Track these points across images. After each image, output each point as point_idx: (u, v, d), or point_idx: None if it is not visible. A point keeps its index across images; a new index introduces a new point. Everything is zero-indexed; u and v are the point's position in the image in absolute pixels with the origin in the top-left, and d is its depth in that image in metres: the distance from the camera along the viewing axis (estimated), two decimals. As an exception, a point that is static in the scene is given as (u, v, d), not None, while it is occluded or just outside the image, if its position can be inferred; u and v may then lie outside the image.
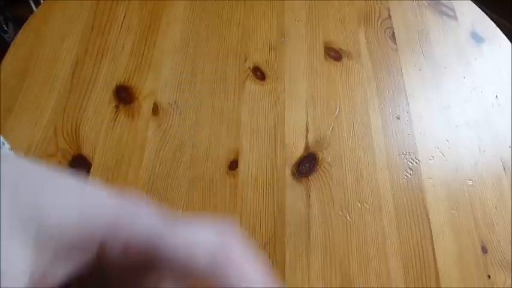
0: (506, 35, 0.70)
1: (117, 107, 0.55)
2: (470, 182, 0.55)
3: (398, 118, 0.59)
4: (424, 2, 0.71)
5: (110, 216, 0.16)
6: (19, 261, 0.14)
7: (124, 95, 0.56)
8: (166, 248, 0.16)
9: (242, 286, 0.16)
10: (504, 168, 0.57)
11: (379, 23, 0.68)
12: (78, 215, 0.15)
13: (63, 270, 0.15)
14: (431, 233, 0.51)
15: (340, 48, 0.64)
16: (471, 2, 0.73)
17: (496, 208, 0.53)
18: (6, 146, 0.45)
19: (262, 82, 0.59)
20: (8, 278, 0.13)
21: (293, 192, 0.51)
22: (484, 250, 0.50)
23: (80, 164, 0.50)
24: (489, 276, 0.49)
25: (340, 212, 0.51)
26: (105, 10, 0.63)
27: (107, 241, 0.15)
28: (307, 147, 0.55)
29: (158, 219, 0.16)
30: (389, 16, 0.69)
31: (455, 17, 0.70)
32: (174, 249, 0.16)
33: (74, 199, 0.16)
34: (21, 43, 0.59)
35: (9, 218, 0.14)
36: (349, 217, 0.51)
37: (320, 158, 0.54)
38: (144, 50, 0.60)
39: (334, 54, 0.63)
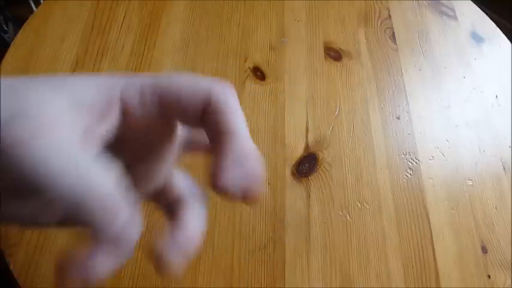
0: (506, 35, 0.70)
1: (117, 107, 0.55)
2: (470, 182, 0.55)
3: (398, 118, 0.59)
4: (424, 2, 0.71)
5: (123, 77, 0.18)
6: (64, 120, 0.15)
7: (124, 95, 0.56)
8: (172, 85, 0.17)
9: (235, 127, 0.18)
10: (504, 168, 0.57)
11: (379, 23, 0.68)
12: (104, 82, 0.17)
13: (100, 129, 0.17)
14: (431, 233, 0.51)
15: (340, 48, 0.64)
16: (471, 2, 0.73)
17: (496, 208, 0.53)
18: None
19: (262, 82, 0.59)
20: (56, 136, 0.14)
21: (293, 192, 0.51)
22: (484, 250, 0.50)
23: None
24: (489, 276, 0.49)
25: (340, 212, 0.51)
26: (105, 10, 0.63)
27: (126, 91, 0.17)
28: (307, 147, 0.55)
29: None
30: (390, 16, 0.69)
31: (455, 17, 0.70)
32: (179, 85, 0.18)
33: (96, 78, 0.18)
34: (21, 43, 0.59)
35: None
36: (349, 217, 0.51)
37: (320, 158, 0.54)
38: (144, 50, 0.60)
39: (334, 54, 0.63)
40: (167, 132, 0.19)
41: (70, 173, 0.14)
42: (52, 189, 0.14)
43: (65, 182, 0.14)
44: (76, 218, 0.15)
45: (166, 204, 0.22)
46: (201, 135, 0.21)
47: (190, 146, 0.23)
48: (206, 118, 0.18)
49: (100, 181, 0.15)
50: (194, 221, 0.20)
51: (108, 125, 0.17)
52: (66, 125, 0.15)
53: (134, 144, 0.19)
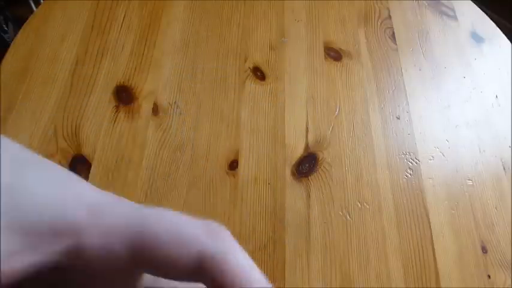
0: (506, 35, 0.70)
1: (117, 107, 0.55)
2: (470, 182, 0.55)
3: (398, 118, 0.59)
4: (424, 2, 0.71)
5: (91, 204, 0.15)
6: None
7: (124, 95, 0.56)
8: (149, 231, 0.14)
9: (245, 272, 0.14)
10: (504, 168, 0.57)
11: (379, 23, 0.68)
12: (58, 202, 0.14)
13: (30, 259, 0.14)
14: (431, 233, 0.51)
15: (340, 48, 0.64)
16: (471, 2, 0.73)
17: (496, 208, 0.53)
18: None
19: (262, 82, 0.59)
20: None
21: (293, 192, 0.51)
22: (484, 250, 0.50)
23: (80, 164, 0.50)
24: (489, 276, 0.49)
25: (340, 212, 0.51)
26: (105, 10, 0.63)
27: (86, 229, 0.14)
28: (307, 147, 0.55)
29: (140, 206, 0.15)
30: (390, 16, 0.69)
31: (455, 17, 0.70)
32: (157, 234, 0.14)
33: (55, 185, 0.14)
34: (21, 43, 0.59)
35: None
36: (349, 217, 0.51)
37: (320, 158, 0.54)
38: (144, 50, 0.60)
39: (334, 54, 0.63)
40: (131, 276, 0.16)
41: None
42: None
43: None
44: None
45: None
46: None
47: None
48: (200, 278, 0.14)
49: None
50: None
51: (43, 257, 0.14)
52: None
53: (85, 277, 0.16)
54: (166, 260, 0.14)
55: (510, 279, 0.49)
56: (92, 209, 0.14)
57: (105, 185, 0.49)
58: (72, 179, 0.15)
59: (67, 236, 0.14)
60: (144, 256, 0.14)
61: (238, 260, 0.15)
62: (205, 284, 0.15)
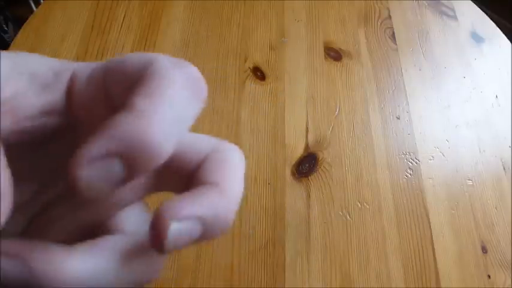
0: (506, 35, 0.70)
1: (117, 107, 0.55)
2: (470, 182, 0.55)
3: (398, 118, 0.59)
4: (424, 2, 0.71)
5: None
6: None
7: (124, 95, 0.56)
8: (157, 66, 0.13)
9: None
10: (504, 168, 0.57)
11: (379, 23, 0.68)
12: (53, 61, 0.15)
13: (38, 99, 0.14)
14: (431, 233, 0.51)
15: (340, 48, 0.64)
16: (471, 2, 0.73)
17: (496, 208, 0.53)
18: None
19: (262, 82, 0.59)
20: None
21: (293, 192, 0.51)
22: (484, 250, 0.50)
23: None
24: (489, 276, 0.49)
25: (340, 212, 0.51)
26: (105, 10, 0.63)
27: (77, 72, 0.15)
28: (307, 147, 0.55)
29: None
30: (390, 16, 0.69)
31: (455, 17, 0.70)
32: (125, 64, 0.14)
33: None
34: (21, 43, 0.59)
35: None
36: (349, 217, 0.51)
37: (320, 158, 0.54)
38: (144, 50, 0.60)
39: (334, 54, 0.63)
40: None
41: None
42: None
43: None
44: None
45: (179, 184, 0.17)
46: None
47: None
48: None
49: None
50: None
51: (49, 96, 0.14)
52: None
53: (73, 140, 0.16)
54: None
55: (510, 279, 0.49)
56: (80, 63, 0.15)
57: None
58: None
59: (64, 74, 0.14)
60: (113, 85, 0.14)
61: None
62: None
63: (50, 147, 0.16)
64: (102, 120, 0.13)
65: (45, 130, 0.15)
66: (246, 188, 0.51)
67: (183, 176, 0.15)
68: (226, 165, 0.14)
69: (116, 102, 0.14)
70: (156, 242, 0.12)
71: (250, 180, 0.52)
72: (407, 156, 0.56)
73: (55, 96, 0.14)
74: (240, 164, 0.15)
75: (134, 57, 0.14)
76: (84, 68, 0.15)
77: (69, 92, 0.15)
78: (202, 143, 0.15)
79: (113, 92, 0.14)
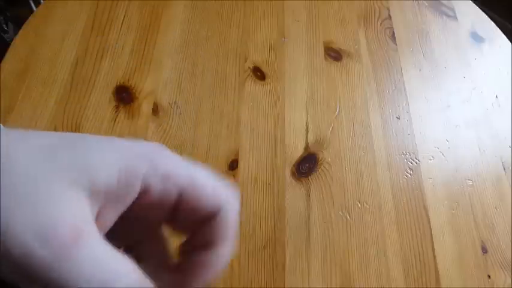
0: (506, 35, 0.70)
1: (117, 107, 0.55)
2: (470, 182, 0.55)
3: (398, 118, 0.59)
4: (424, 2, 0.71)
5: (147, 152, 0.17)
6: (79, 210, 0.15)
7: (124, 95, 0.56)
8: (194, 184, 0.18)
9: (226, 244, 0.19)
10: (504, 168, 0.57)
11: (379, 23, 0.68)
12: (121, 161, 0.16)
13: (113, 214, 0.17)
14: (431, 233, 0.51)
15: (340, 48, 0.64)
16: (471, 2, 0.73)
17: (496, 208, 0.53)
18: None
19: (262, 82, 0.59)
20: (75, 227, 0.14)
21: (293, 192, 0.51)
22: (484, 250, 0.50)
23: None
24: (489, 276, 0.49)
25: (340, 212, 0.51)
26: (105, 10, 0.63)
27: (149, 176, 0.17)
28: (307, 147, 0.55)
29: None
30: (389, 16, 0.69)
31: (455, 17, 0.70)
32: (200, 188, 0.18)
33: (114, 149, 0.17)
34: (21, 43, 0.59)
35: (65, 177, 0.15)
36: (349, 217, 0.51)
37: (320, 158, 0.54)
38: (144, 50, 0.60)
39: (334, 54, 0.63)
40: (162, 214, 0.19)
41: (97, 270, 0.14)
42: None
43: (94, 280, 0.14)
44: None
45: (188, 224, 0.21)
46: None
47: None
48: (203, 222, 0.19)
49: (124, 271, 0.15)
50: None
51: (123, 208, 0.17)
52: (83, 216, 0.15)
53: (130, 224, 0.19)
54: (197, 207, 0.18)
55: (510, 279, 0.49)
56: (152, 163, 0.17)
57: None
58: (121, 141, 0.18)
59: (137, 187, 0.16)
60: (188, 205, 0.18)
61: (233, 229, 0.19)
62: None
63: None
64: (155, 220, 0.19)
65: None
66: (246, 188, 0.51)
67: (189, 219, 0.19)
68: (228, 231, 0.19)
69: (178, 219, 0.19)
70: None
71: (250, 180, 0.52)
72: (407, 156, 0.56)
73: (128, 204, 0.17)
74: (235, 221, 0.19)
75: (209, 193, 0.18)
76: (157, 172, 0.17)
77: (140, 195, 0.17)
78: (215, 194, 0.19)
79: (180, 211, 0.18)
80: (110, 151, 0.16)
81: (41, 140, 0.15)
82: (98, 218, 0.16)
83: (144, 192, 0.17)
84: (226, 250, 0.19)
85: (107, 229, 0.17)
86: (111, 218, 0.16)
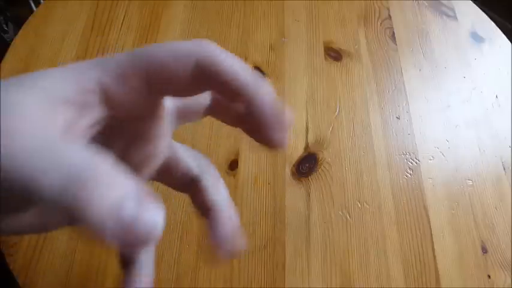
0: (506, 35, 0.70)
1: (117, 107, 0.55)
2: (470, 182, 0.55)
3: (398, 118, 0.59)
4: (424, 2, 0.71)
5: (96, 63, 0.17)
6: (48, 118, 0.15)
7: (124, 95, 0.56)
8: (154, 60, 0.16)
9: (237, 66, 0.17)
10: (504, 168, 0.57)
11: (379, 23, 0.68)
12: (67, 74, 0.17)
13: (83, 123, 0.16)
14: (431, 233, 0.51)
15: (340, 48, 0.64)
16: (471, 2, 0.73)
17: (496, 208, 0.53)
18: None
19: (262, 82, 0.59)
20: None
21: (293, 192, 0.51)
22: (484, 250, 0.50)
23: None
24: (489, 276, 0.49)
25: (340, 212, 0.51)
26: (105, 10, 0.63)
27: (104, 80, 0.16)
28: (307, 147, 0.55)
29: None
30: (389, 16, 0.69)
31: (455, 17, 0.70)
32: (158, 56, 0.16)
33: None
34: (21, 43, 0.59)
35: None
36: (349, 217, 0.51)
37: (320, 158, 0.54)
38: (144, 50, 0.60)
39: (334, 54, 0.63)
40: (154, 108, 0.18)
41: (57, 166, 0.12)
42: (44, 191, 0.12)
43: (55, 178, 0.12)
44: (77, 216, 0.13)
45: (175, 182, 0.23)
46: (194, 101, 0.20)
47: (185, 115, 0.21)
48: (201, 83, 0.17)
49: (92, 164, 0.13)
50: (224, 213, 0.22)
51: (91, 118, 0.16)
52: (41, 123, 0.14)
53: (122, 131, 0.18)
54: (170, 74, 0.16)
55: (510, 279, 0.49)
56: (103, 67, 0.17)
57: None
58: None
59: (94, 95, 0.16)
60: (154, 82, 0.16)
61: (231, 59, 0.17)
62: (210, 89, 0.17)
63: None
64: (144, 108, 0.17)
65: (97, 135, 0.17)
66: (246, 188, 0.51)
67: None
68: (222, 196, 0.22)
69: (159, 94, 0.17)
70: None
71: (250, 180, 0.52)
72: (407, 156, 0.56)
73: (95, 114, 0.16)
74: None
75: (168, 56, 0.16)
76: (110, 73, 0.16)
77: (106, 102, 0.16)
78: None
79: (155, 88, 0.17)
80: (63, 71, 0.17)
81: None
82: (68, 127, 0.15)
83: (108, 100, 0.16)
84: None
85: (84, 138, 0.16)
86: (83, 126, 0.16)
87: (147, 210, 0.13)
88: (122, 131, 0.18)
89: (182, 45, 0.16)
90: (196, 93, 0.18)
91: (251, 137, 0.19)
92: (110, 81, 0.16)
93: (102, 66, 0.17)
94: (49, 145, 0.13)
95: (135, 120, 0.18)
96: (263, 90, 0.18)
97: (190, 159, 0.23)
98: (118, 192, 0.13)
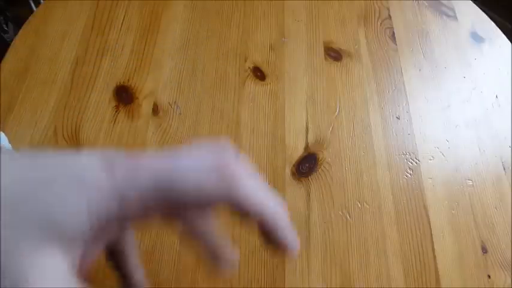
0: (506, 35, 0.70)
1: (117, 107, 0.55)
2: (470, 182, 0.55)
3: (398, 118, 0.59)
4: (424, 2, 0.71)
5: (114, 182, 0.16)
6: (53, 270, 0.14)
7: (124, 95, 0.56)
8: (177, 185, 0.17)
9: (254, 196, 0.19)
10: (504, 168, 0.57)
11: (379, 23, 0.68)
12: (91, 207, 0.15)
13: (97, 248, 0.17)
14: (431, 233, 0.51)
15: (340, 48, 0.64)
16: (471, 2, 0.73)
17: (496, 208, 0.53)
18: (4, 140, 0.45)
19: (262, 82, 0.59)
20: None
21: (293, 192, 0.51)
22: (484, 250, 0.50)
23: (80, 164, 0.50)
24: (489, 276, 0.49)
25: (340, 212, 0.51)
26: (105, 10, 0.63)
27: (124, 201, 0.16)
28: (307, 147, 0.55)
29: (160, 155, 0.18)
30: (389, 16, 0.69)
31: (455, 17, 0.70)
32: (184, 186, 0.17)
33: (80, 192, 0.16)
34: (21, 43, 0.59)
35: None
36: (349, 217, 0.51)
37: (320, 158, 0.54)
38: (144, 50, 0.60)
39: (334, 54, 0.63)
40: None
41: None
42: None
43: None
44: None
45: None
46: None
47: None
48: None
49: None
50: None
51: (104, 242, 0.17)
52: (53, 273, 0.14)
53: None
54: (188, 212, 0.18)
55: (510, 279, 0.49)
56: (123, 188, 0.16)
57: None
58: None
59: (110, 221, 0.16)
60: (172, 212, 0.17)
61: (248, 188, 0.18)
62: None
63: None
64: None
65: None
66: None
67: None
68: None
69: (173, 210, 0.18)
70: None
71: (250, 180, 0.51)
72: (407, 156, 0.56)
73: (110, 236, 0.17)
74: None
75: (192, 187, 0.17)
76: (131, 195, 0.16)
77: (121, 217, 0.16)
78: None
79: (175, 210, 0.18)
80: (75, 196, 0.15)
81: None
82: (82, 257, 0.16)
83: (124, 215, 0.16)
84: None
85: (95, 257, 0.17)
86: (95, 251, 0.17)
87: None
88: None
89: (209, 184, 0.17)
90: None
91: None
92: (131, 204, 0.16)
93: (121, 189, 0.16)
94: None
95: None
96: (281, 217, 0.21)
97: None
98: None
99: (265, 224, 0.20)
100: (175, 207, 0.18)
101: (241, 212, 0.19)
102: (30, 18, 0.61)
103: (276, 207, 0.21)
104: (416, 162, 0.55)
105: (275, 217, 0.20)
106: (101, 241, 0.17)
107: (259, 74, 0.60)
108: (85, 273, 0.17)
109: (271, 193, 0.21)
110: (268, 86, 0.59)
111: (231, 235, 0.48)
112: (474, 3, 0.73)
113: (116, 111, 0.55)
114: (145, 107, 0.55)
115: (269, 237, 0.22)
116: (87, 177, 0.15)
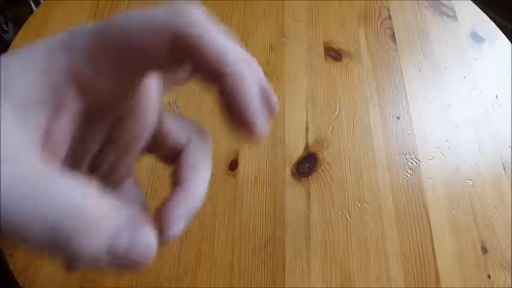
0: (506, 35, 0.70)
1: (117, 107, 0.55)
2: (470, 182, 0.55)
3: (398, 118, 0.59)
4: (424, 2, 0.71)
5: (59, 42, 0.15)
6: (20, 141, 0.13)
7: (124, 95, 0.56)
8: (124, 34, 0.15)
9: (209, 41, 0.15)
10: (504, 168, 0.57)
11: (379, 23, 0.68)
12: (33, 67, 0.15)
13: (61, 124, 0.15)
14: (431, 233, 0.51)
15: (340, 48, 0.64)
16: (471, 2, 0.73)
17: (496, 208, 0.53)
18: None
19: (262, 82, 0.59)
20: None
21: (293, 192, 0.51)
22: (484, 250, 0.50)
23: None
24: (489, 276, 0.49)
25: (340, 212, 0.51)
26: (105, 10, 0.63)
27: (73, 66, 0.15)
28: (307, 147, 0.55)
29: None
30: (389, 16, 0.69)
31: (455, 17, 0.70)
32: (130, 32, 0.14)
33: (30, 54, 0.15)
34: (21, 43, 0.59)
35: None
36: (349, 217, 0.51)
37: (320, 158, 0.54)
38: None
39: (334, 54, 0.63)
40: (133, 86, 0.16)
41: (45, 211, 0.12)
42: (34, 239, 0.12)
43: (44, 226, 0.12)
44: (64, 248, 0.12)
45: (165, 155, 0.21)
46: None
47: (171, 80, 0.19)
48: (182, 59, 0.15)
49: (81, 203, 0.12)
50: (198, 178, 0.19)
51: (68, 116, 0.15)
52: (18, 142, 0.13)
53: (105, 115, 0.17)
54: (143, 52, 0.14)
55: (510, 279, 0.49)
56: (69, 49, 0.15)
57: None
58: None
59: (67, 88, 0.15)
60: (126, 57, 0.15)
61: (213, 35, 0.15)
62: (189, 63, 0.15)
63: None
64: (120, 88, 0.15)
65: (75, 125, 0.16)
66: (246, 188, 0.51)
67: (165, 148, 0.19)
68: (198, 171, 0.19)
69: (137, 69, 0.16)
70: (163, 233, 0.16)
71: (250, 180, 0.52)
72: (407, 156, 0.56)
73: (70, 107, 0.15)
74: (209, 165, 0.19)
75: (139, 30, 0.14)
76: (78, 55, 0.15)
77: (80, 90, 0.15)
78: (184, 132, 0.19)
79: (130, 64, 0.15)
80: (25, 57, 0.14)
81: None
82: (45, 137, 0.14)
83: (82, 85, 0.15)
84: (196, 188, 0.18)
85: (66, 141, 0.15)
86: (62, 128, 0.15)
87: (140, 236, 0.14)
88: (104, 116, 0.17)
89: (156, 17, 0.14)
90: (178, 68, 0.16)
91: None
92: (80, 65, 0.14)
93: (69, 46, 0.15)
94: (33, 180, 0.12)
95: (115, 103, 0.16)
96: (248, 71, 0.16)
97: (181, 132, 0.20)
98: (110, 225, 0.13)
99: (223, 87, 0.15)
100: (129, 61, 0.15)
101: (193, 61, 0.15)
102: (30, 18, 0.61)
103: (239, 64, 0.16)
104: (416, 162, 0.55)
105: (236, 78, 0.15)
106: (67, 109, 0.15)
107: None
108: (60, 152, 0.15)
109: (239, 48, 0.16)
110: (268, 86, 0.59)
111: (231, 235, 0.48)
112: (474, 3, 0.73)
113: (116, 111, 0.55)
114: (145, 107, 0.55)
115: (231, 109, 0.17)
116: (34, 48, 0.15)
